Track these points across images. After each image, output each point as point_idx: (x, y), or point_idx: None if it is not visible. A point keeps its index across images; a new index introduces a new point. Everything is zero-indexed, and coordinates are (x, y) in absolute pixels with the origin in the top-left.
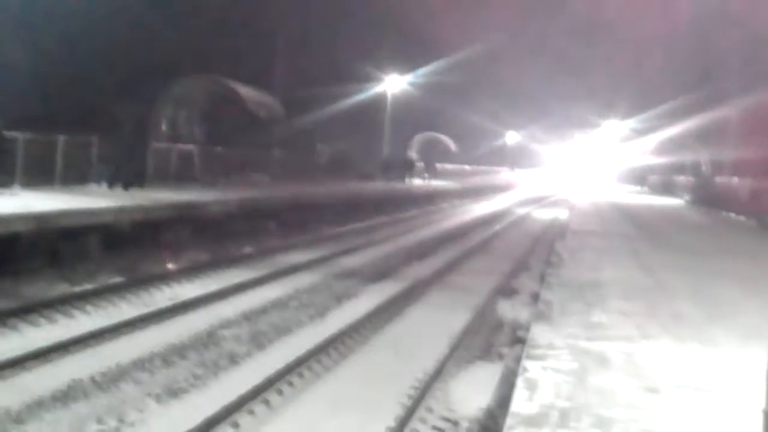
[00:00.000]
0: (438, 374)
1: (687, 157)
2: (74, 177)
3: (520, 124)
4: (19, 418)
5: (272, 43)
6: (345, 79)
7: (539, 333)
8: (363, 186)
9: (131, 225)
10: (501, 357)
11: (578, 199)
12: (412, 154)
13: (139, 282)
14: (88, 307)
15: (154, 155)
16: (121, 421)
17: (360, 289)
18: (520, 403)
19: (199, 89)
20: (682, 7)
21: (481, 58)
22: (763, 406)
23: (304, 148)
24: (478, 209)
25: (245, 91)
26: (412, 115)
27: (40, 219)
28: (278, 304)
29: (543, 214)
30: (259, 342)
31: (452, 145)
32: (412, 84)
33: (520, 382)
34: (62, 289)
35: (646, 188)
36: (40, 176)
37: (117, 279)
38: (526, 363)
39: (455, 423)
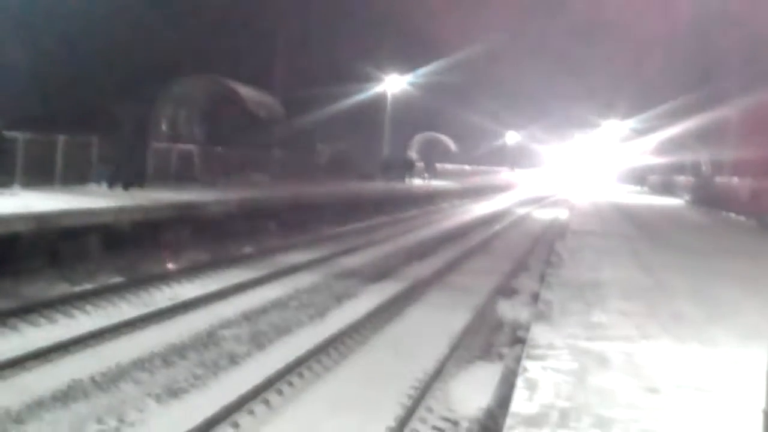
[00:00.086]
0: (438, 374)
1: (687, 157)
2: (74, 177)
3: (520, 124)
4: (19, 418)
5: (272, 43)
6: (345, 79)
7: (539, 333)
8: (363, 186)
9: (131, 225)
10: (501, 357)
11: (578, 199)
12: (412, 154)
13: (139, 282)
14: (88, 307)
15: (154, 155)
16: (121, 421)
17: (360, 289)
18: (520, 403)
19: (199, 89)
20: (682, 7)
21: (481, 58)
22: (763, 406)
23: (304, 148)
24: (478, 209)
25: (245, 91)
26: (412, 115)
27: (40, 219)
28: (278, 304)
29: (543, 214)
30: (259, 342)
31: (452, 145)
32: (412, 84)
33: (520, 382)
34: (62, 289)
35: (646, 188)
36: (40, 176)
37: (117, 279)
38: (526, 363)
39: (455, 423)
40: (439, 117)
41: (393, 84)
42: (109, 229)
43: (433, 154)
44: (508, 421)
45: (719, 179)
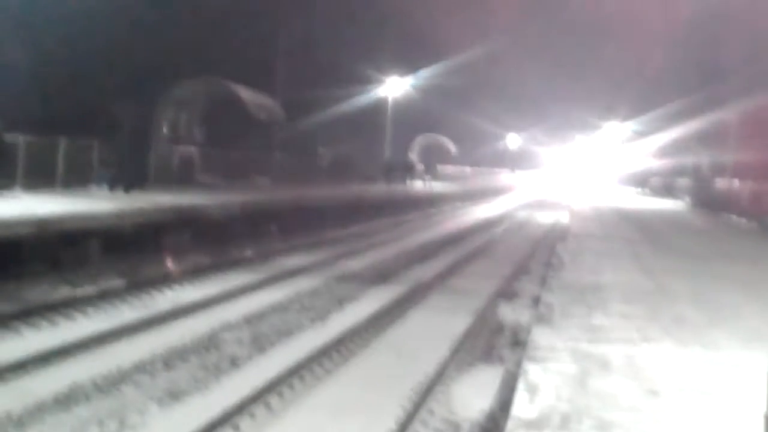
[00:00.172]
0: (439, 377)
1: (688, 160)
2: (75, 179)
3: (521, 126)
4: (20, 422)
5: (273, 46)
6: (346, 81)
7: (540, 336)
8: (364, 189)
9: (132, 228)
10: (502, 360)
11: (579, 201)
12: (413, 156)
13: (140, 285)
14: (90, 310)
15: (155, 158)
16: (122, 423)
17: (361, 292)
18: (521, 406)
19: (200, 91)
20: (682, 9)
21: (482, 60)
22: (764, 410)
23: (306, 151)
24: (479, 212)
25: (246, 94)
26: (414, 118)
27: (42, 222)
28: (279, 307)
29: (544, 217)
30: (260, 345)
31: (453, 148)
32: (413, 86)
33: (521, 385)
34: (64, 292)
35: (647, 190)
36: (41, 179)
37: (118, 282)
38: (527, 366)
39: (456, 426)
40: (441, 119)
41: (394, 86)
42: (110, 233)
43: (434, 157)
44: (509, 424)
45: (720, 182)
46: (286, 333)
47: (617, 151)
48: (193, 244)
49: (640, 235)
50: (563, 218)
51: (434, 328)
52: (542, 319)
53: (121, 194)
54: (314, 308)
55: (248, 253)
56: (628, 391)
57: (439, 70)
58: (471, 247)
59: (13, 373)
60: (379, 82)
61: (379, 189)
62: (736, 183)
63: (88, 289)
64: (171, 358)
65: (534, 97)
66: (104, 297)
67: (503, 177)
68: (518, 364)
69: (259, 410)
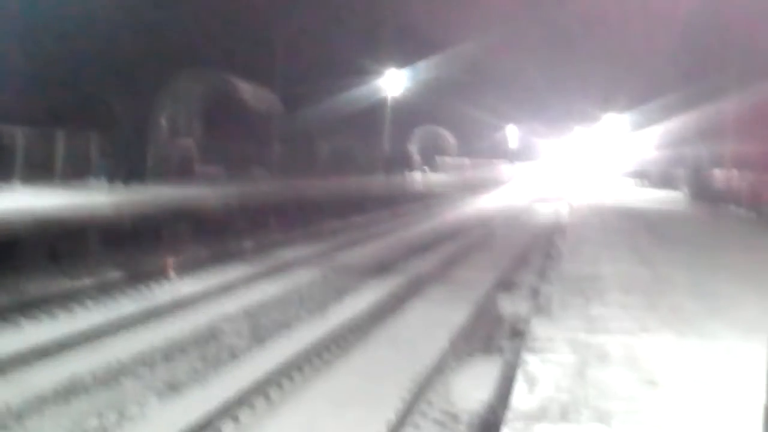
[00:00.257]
0: (438, 368)
1: (687, 150)
2: (74, 173)
3: (520, 117)
4: (19, 414)
5: (271, 39)
6: (344, 73)
7: (539, 327)
8: (362, 180)
9: (131, 221)
10: (501, 350)
11: (578, 192)
12: (412, 148)
13: (139, 278)
14: (89, 303)
15: (154, 151)
16: (121, 415)
17: (360, 283)
18: (520, 396)
19: (199, 85)
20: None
21: (481, 52)
22: (763, 400)
23: (304, 143)
24: (478, 203)
25: (244, 87)
26: (412, 110)
27: (40, 215)
28: (278, 299)
29: (543, 208)
30: (259, 336)
31: (452, 140)
32: (411, 78)
33: (519, 376)
34: (62, 285)
35: (646, 181)
36: (39, 172)
37: (117, 274)
38: (526, 357)
39: (455, 416)
40: (439, 111)
41: (392, 78)
42: (109, 225)
43: (433, 149)
44: (508, 415)
45: (719, 172)
46: (285, 325)
47: (616, 143)
48: (192, 236)
49: (638, 226)
50: (562, 210)
51: (433, 320)
52: (541, 310)
53: (119, 187)
54: (313, 299)
55: (247, 245)
56: (627, 381)
57: (437, 62)
58: (470, 239)
59: (13, 365)
60: (378, 74)
61: (378, 181)
62: (734, 173)
63: (87, 282)
64: (170, 351)
65: (533, 89)
66: (103, 289)
67: (502, 169)
68: (517, 355)
69: (258, 402)
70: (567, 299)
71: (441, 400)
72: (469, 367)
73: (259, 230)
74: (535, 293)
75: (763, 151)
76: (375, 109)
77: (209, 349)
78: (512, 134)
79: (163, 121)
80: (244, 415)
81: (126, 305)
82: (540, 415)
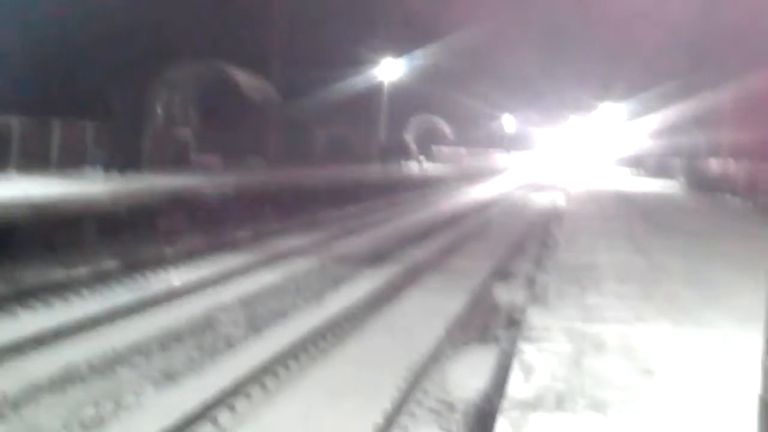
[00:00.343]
0: (434, 357)
1: (683, 140)
2: (70, 162)
3: (516, 107)
4: (15, 403)
5: (268, 27)
6: (341, 62)
7: (535, 316)
8: (359, 170)
9: (127, 210)
10: (497, 340)
11: (574, 181)
12: (408, 137)
13: (135, 267)
14: (85, 292)
15: (150, 140)
16: (117, 404)
17: (357, 272)
18: (516, 385)
19: (195, 74)
20: None
21: (477, 41)
22: (758, 390)
23: (300, 133)
24: (474, 192)
25: (241, 76)
26: (409, 99)
27: (36, 204)
28: (274, 288)
29: (539, 197)
30: (255, 326)
31: (448, 129)
32: (408, 67)
33: (515, 365)
34: (59, 274)
35: (642, 171)
36: (35, 161)
37: (113, 264)
38: (522, 345)
39: (451, 405)
40: (436, 100)
41: (389, 68)
42: (105, 215)
43: (429, 138)
44: (504, 404)
45: (716, 162)
46: (281, 314)
47: (612, 132)
48: (189, 225)
49: (634, 215)
50: (558, 199)
51: (429, 308)
52: (537, 299)
53: (115, 176)
54: (309, 288)
55: (244, 234)
56: (623, 370)
57: (434, 51)
58: (466, 228)
59: (9, 354)
60: (374, 63)
61: (374, 170)
62: (731, 163)
63: (83, 271)
64: (166, 339)
65: (529, 78)
66: (99, 279)
67: (498, 158)
68: (513, 344)
69: (255, 391)
70: (563, 288)
71: (437, 389)
72: (465, 356)
73: (255, 219)
74: (531, 282)
75: (760, 140)
76: (371, 98)
77: (205, 338)
78: (508, 123)
79: (159, 111)
80: (240, 404)
81: (122, 294)
82: (536, 403)
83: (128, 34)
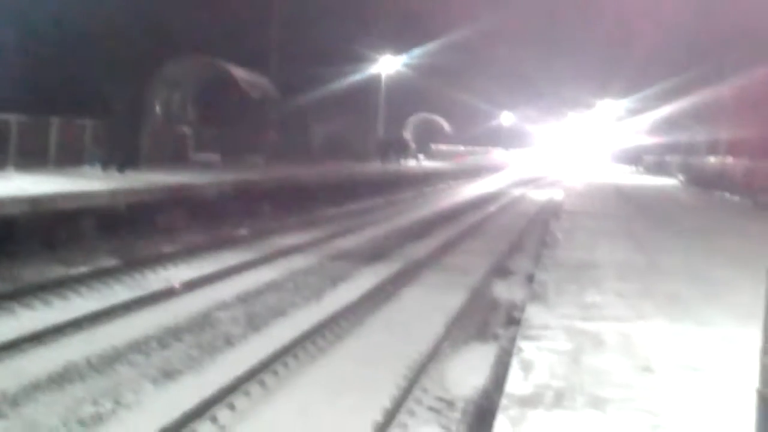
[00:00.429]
0: (433, 355)
1: (682, 137)
2: (68, 159)
3: (515, 104)
4: (14, 401)
5: (266, 24)
6: (339, 60)
7: (534, 313)
8: (357, 167)
9: (126, 207)
10: (496, 337)
11: (573, 179)
12: (407, 134)
13: (134, 264)
14: (83, 290)
15: (148, 137)
16: (117, 402)
17: (355, 270)
18: (515, 383)
19: (193, 71)
20: None
21: (476, 38)
22: (756, 385)
23: (299, 129)
24: (473, 189)
25: (239, 73)
26: (407, 97)
27: (35, 202)
28: (274, 286)
29: (538, 195)
30: (254, 324)
31: (446, 126)
32: (406, 65)
33: (515, 363)
34: (57, 271)
35: (641, 168)
36: (33, 159)
37: (112, 261)
38: (521, 343)
39: (450, 403)
40: (434, 98)
41: (387, 65)
42: (103, 212)
43: (427, 135)
44: (503, 401)
45: (714, 159)
46: (280, 312)
47: (611, 129)
48: (187, 223)
49: (633, 212)
50: (557, 196)
51: (428, 306)
52: (536, 297)
53: (114, 174)
54: (308, 286)
55: (242, 231)
56: (622, 368)
57: (432, 48)
58: (465, 225)
59: (8, 352)
60: (373, 60)
61: (373, 167)
62: (729, 160)
63: (81, 269)
64: (165, 337)
65: (527, 75)
66: (98, 276)
67: (497, 155)
68: (512, 342)
69: (253, 388)
70: (562, 286)
71: (436, 386)
72: (465, 354)
73: (253, 216)
74: (530, 280)
75: (758, 137)
76: (369, 96)
77: (204, 336)
78: (507, 121)
79: (158, 108)
80: (240, 402)
81: (120, 292)
82: (535, 401)
83: (127, 31)
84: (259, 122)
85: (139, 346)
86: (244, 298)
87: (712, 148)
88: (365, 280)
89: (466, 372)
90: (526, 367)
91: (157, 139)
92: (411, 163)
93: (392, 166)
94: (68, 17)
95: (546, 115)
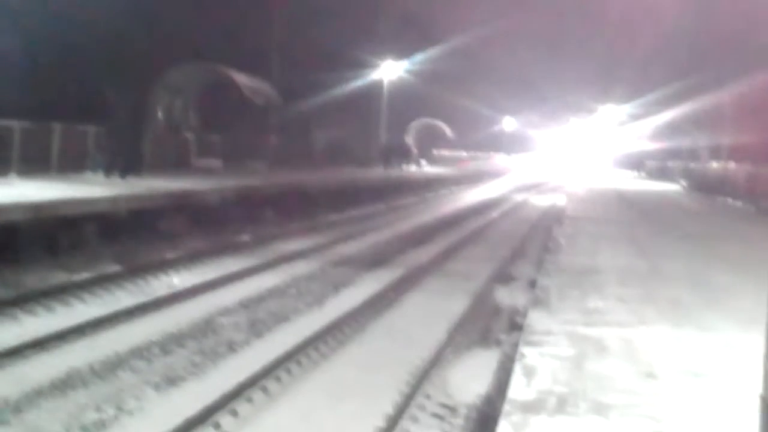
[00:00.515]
0: (436, 361)
1: (684, 142)
2: (70, 165)
3: (517, 109)
4: (17, 407)
5: (268, 30)
6: (341, 65)
7: (537, 319)
8: (359, 173)
9: (128, 213)
10: (499, 343)
11: (575, 184)
12: (409, 140)
13: (136, 270)
14: (86, 296)
15: (150, 143)
16: (119, 409)
17: (357, 276)
18: (518, 389)
19: (195, 76)
20: None
21: (478, 44)
22: (760, 391)
23: (301, 135)
24: (475, 195)
25: (241, 78)
26: (409, 102)
27: (37, 208)
28: (276, 292)
29: (540, 200)
30: (257, 330)
31: (449, 131)
32: (408, 70)
33: (517, 369)
34: (60, 277)
35: (643, 174)
36: (36, 165)
37: (114, 267)
38: (524, 349)
39: (453, 409)
40: (436, 103)
41: (389, 70)
42: (106, 218)
43: (430, 141)
44: (506, 407)
45: (716, 164)
46: (282, 318)
47: (613, 135)
48: (189, 229)
49: (636, 218)
50: (559, 201)
51: (431, 312)
52: (539, 303)
53: (116, 180)
54: (310, 293)
55: (244, 237)
56: (625, 373)
57: (434, 54)
58: (467, 231)
59: (10, 358)
60: (375, 66)
61: (374, 173)
62: (732, 165)
63: (84, 275)
64: (168, 344)
65: (530, 81)
66: (101, 282)
67: (499, 160)
68: (515, 348)
69: (256, 395)
70: (565, 291)
71: (439, 392)
72: (467, 360)
73: (255, 222)
74: (532, 285)
75: (761, 142)
76: (371, 101)
77: (207, 342)
78: (509, 126)
79: (160, 114)
80: (242, 408)
81: (123, 298)
82: (538, 407)
83: (129, 37)
84: (261, 128)
85: (141, 352)
86: (246, 304)
87: (715, 154)
88: (367, 286)
89: (469, 378)
90: (529, 372)
91: (159, 145)
92: (413, 169)
93: (394, 172)
94: (70, 24)
95: (548, 120)
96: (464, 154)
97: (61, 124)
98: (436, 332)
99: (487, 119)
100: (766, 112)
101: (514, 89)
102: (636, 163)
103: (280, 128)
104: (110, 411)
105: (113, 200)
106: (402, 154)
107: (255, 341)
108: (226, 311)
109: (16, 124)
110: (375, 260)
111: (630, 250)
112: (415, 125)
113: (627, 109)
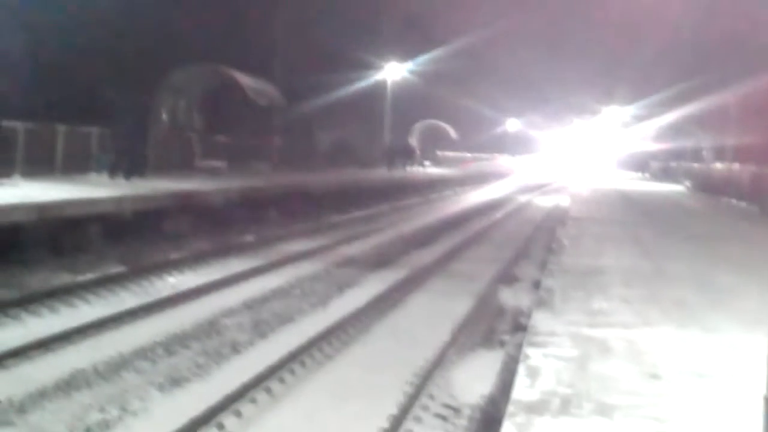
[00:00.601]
0: (440, 361)
1: (688, 143)
2: (75, 166)
3: (521, 111)
4: (21, 408)
5: (272, 31)
6: (345, 66)
7: (541, 320)
8: (363, 174)
9: (133, 214)
10: (502, 344)
11: (579, 185)
12: (413, 141)
13: (140, 271)
14: (90, 297)
15: (155, 144)
16: (123, 410)
17: (361, 277)
18: (522, 390)
19: (199, 78)
20: None
21: (481, 45)
22: (764, 392)
23: (305, 136)
24: (479, 196)
25: (245, 79)
26: (413, 103)
27: (42, 209)
28: (280, 293)
29: (544, 201)
30: (261, 330)
31: (452, 132)
32: (412, 71)
33: (521, 369)
34: (64, 278)
35: (647, 175)
36: (40, 166)
37: (119, 268)
38: (528, 350)
39: (457, 410)
40: (440, 105)
41: (393, 71)
42: (110, 219)
43: (433, 142)
44: (510, 408)
45: (720, 165)
46: (287, 318)
47: (617, 136)
48: (194, 229)
49: (640, 219)
50: (563, 203)
51: (434, 313)
52: (543, 303)
53: (121, 181)
54: (315, 293)
55: (248, 238)
56: (629, 374)
57: (438, 55)
58: (470, 232)
59: (15, 359)
60: (378, 67)
61: (378, 174)
62: (736, 166)
63: (88, 276)
64: (172, 344)
65: (533, 82)
66: (105, 283)
67: (503, 162)
68: (519, 348)
69: (260, 395)
70: (569, 292)
71: (443, 393)
72: (471, 360)
73: (260, 224)
74: (536, 286)
75: (765, 143)
76: (375, 102)
77: (211, 343)
78: (513, 127)
79: (164, 115)
80: (246, 408)
81: (127, 299)
82: (542, 408)
83: (133, 38)
84: (265, 129)
85: (145, 353)
86: (250, 305)
87: (719, 155)
88: (371, 286)
89: (473, 379)
90: (533, 373)
91: (163, 146)
92: (417, 170)
93: (398, 173)
94: (74, 26)
95: (552, 121)
96: (468, 155)
97: (66, 126)
98: (440, 333)
99: (490, 120)
100: None
101: (518, 90)
102: (640, 164)
103: (283, 129)
104: (114, 412)
105: (117, 201)
106: (406, 155)
107: (259, 342)
108: (230, 312)
109: (20, 126)
110: (379, 261)
111: (634, 251)
112: (418, 126)
113: (631, 110)
